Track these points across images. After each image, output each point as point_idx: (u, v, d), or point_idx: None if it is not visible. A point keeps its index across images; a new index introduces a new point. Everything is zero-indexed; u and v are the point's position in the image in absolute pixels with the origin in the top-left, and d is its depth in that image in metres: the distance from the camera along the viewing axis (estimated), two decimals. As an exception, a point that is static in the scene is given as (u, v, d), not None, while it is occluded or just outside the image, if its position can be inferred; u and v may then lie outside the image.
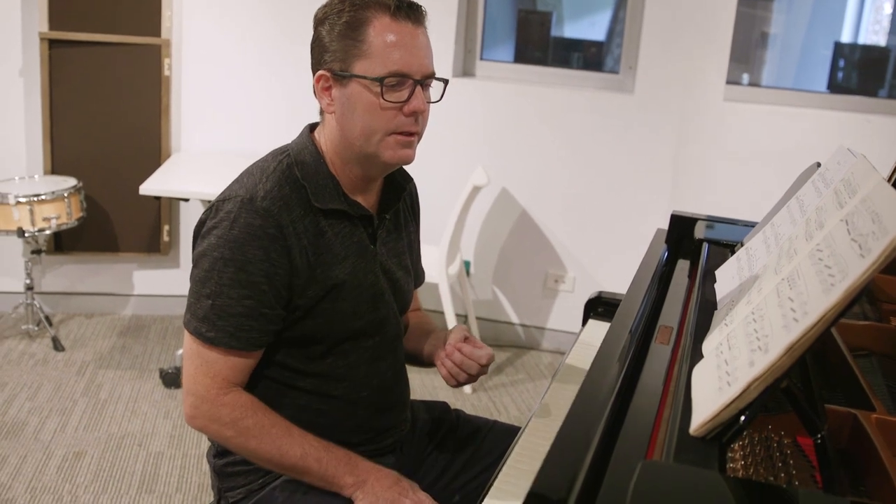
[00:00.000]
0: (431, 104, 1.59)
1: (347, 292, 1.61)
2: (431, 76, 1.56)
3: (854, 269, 0.99)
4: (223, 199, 1.56)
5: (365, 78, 1.51)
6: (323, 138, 1.63)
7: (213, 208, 1.56)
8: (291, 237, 1.53)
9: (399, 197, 1.73)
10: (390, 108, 1.52)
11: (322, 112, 1.62)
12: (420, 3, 1.57)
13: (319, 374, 1.64)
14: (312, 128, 1.67)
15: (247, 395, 1.58)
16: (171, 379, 3.65)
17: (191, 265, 1.59)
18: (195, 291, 1.55)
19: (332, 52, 1.53)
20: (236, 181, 1.59)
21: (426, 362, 1.84)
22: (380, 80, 1.50)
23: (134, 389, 3.63)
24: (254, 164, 1.63)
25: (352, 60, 1.51)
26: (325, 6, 1.57)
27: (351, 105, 1.53)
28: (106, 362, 3.87)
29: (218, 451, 1.71)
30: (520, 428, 1.67)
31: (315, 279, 1.56)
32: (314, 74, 1.58)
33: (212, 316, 1.52)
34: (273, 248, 1.51)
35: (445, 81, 1.62)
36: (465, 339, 1.68)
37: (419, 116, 1.55)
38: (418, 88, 1.53)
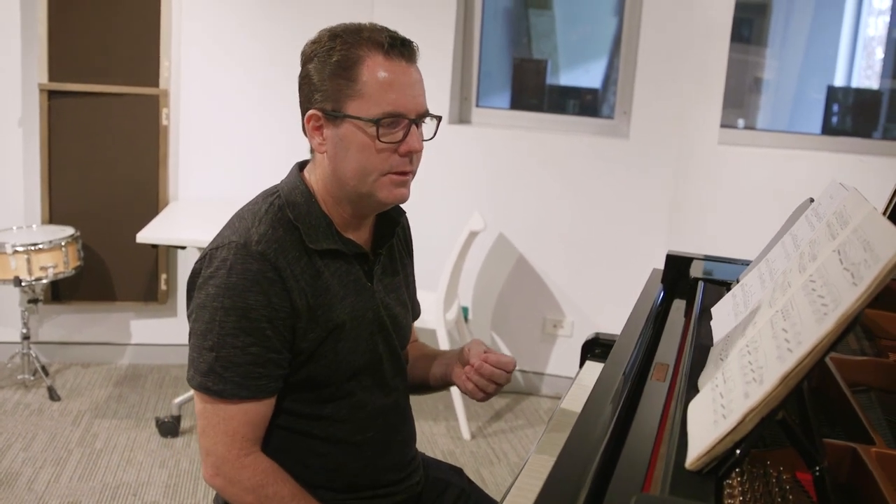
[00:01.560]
0: (425, 142, 1.56)
1: (348, 332, 1.58)
2: (426, 114, 1.54)
3: (847, 297, 0.98)
4: (216, 246, 1.52)
5: (359, 119, 1.47)
6: (314, 177, 1.59)
7: (206, 257, 1.52)
8: (290, 279, 1.49)
9: (393, 232, 1.70)
10: (385, 148, 1.48)
11: (312, 151, 1.59)
12: (412, 40, 1.54)
13: (324, 416, 1.61)
14: (301, 166, 1.64)
15: (268, 461, 1.54)
16: (168, 428, 3.61)
17: (187, 315, 1.56)
18: (197, 346, 1.51)
19: (323, 92, 1.50)
20: (227, 227, 1.56)
21: (436, 386, 1.82)
22: (375, 122, 1.47)
23: (130, 439, 3.59)
24: (243, 207, 1.60)
25: (345, 101, 1.48)
26: (313, 43, 1.54)
27: (344, 145, 1.50)
28: (102, 412, 3.83)
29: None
30: None
31: (316, 321, 1.53)
32: (303, 113, 1.55)
33: (217, 368, 1.48)
34: (273, 291, 1.47)
35: (439, 118, 1.59)
36: (486, 352, 1.67)
37: (414, 156, 1.53)
38: (413, 128, 1.50)
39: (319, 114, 1.51)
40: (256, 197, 1.62)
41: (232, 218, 1.58)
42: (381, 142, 1.48)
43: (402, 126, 1.49)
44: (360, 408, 1.64)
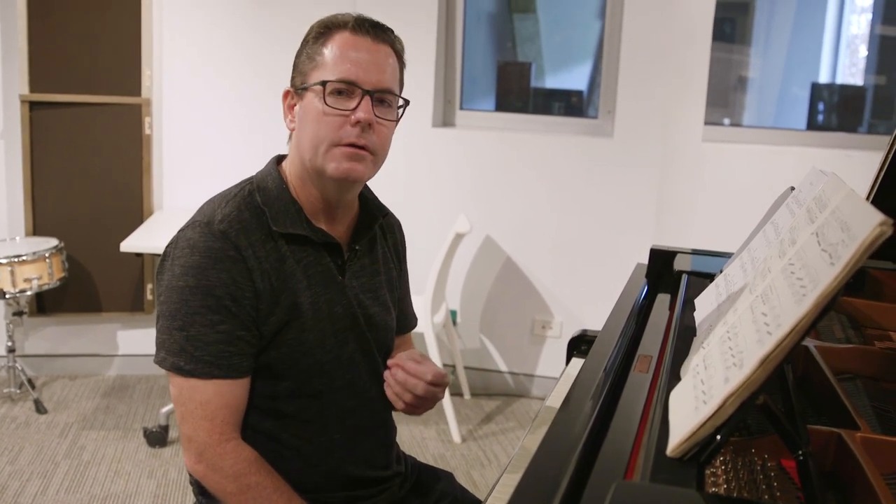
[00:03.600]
0: (388, 121, 1.56)
1: (312, 322, 1.56)
2: (385, 91, 1.54)
3: (825, 277, 0.97)
4: (183, 228, 1.54)
5: (314, 85, 1.51)
6: (288, 164, 1.62)
7: (173, 240, 1.54)
8: (252, 260, 1.50)
9: (371, 228, 1.69)
10: (334, 114, 1.50)
11: (290, 137, 1.62)
12: (389, 27, 1.57)
13: (287, 415, 1.59)
14: (280, 159, 1.66)
15: (250, 450, 1.53)
16: (156, 438, 3.59)
17: (156, 299, 1.56)
18: (165, 327, 1.50)
19: (297, 69, 1.57)
20: (198, 210, 1.57)
21: None
22: (322, 84, 1.50)
23: (118, 450, 3.56)
24: (218, 193, 1.62)
25: (309, 73, 1.53)
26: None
27: (304, 115, 1.54)
28: (89, 423, 3.80)
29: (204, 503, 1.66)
30: None
31: (278, 305, 1.52)
32: None
33: (188, 347, 1.47)
34: (235, 269, 1.48)
35: (405, 101, 1.60)
36: (411, 359, 1.63)
37: (369, 130, 1.51)
38: (366, 99, 1.50)
39: (291, 90, 1.58)
40: (232, 185, 1.64)
41: (204, 202, 1.60)
42: (328, 106, 1.49)
43: (355, 96, 1.50)
44: (327, 408, 1.62)
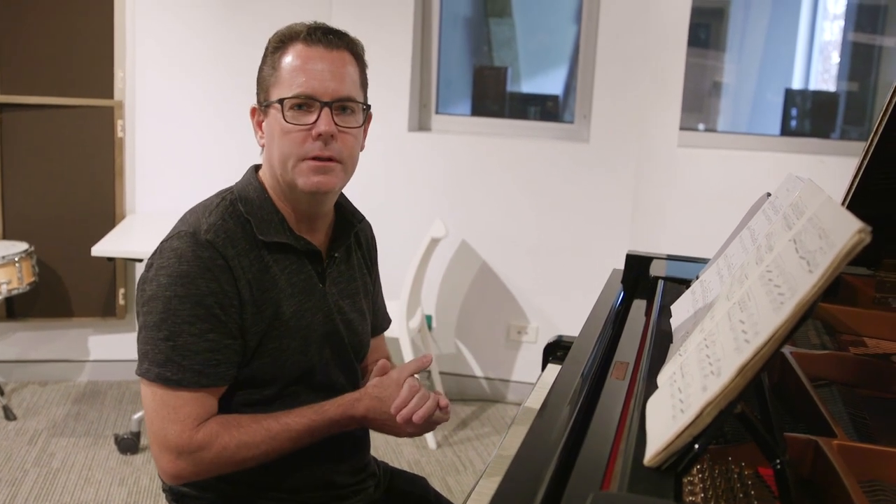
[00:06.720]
0: (352, 128, 1.56)
1: (295, 331, 1.56)
2: (343, 100, 1.53)
3: (803, 285, 0.96)
4: (167, 238, 1.52)
5: (275, 103, 1.52)
6: (264, 176, 1.61)
7: (157, 251, 1.51)
8: (237, 269, 1.49)
9: (348, 235, 1.70)
10: (296, 130, 1.51)
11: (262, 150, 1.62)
12: (343, 31, 1.57)
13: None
14: (258, 168, 1.65)
15: (212, 420, 1.49)
16: (127, 445, 3.54)
17: (137, 310, 1.53)
18: (150, 337, 1.47)
19: (260, 85, 1.58)
20: (180, 220, 1.56)
21: None
22: (280, 102, 1.51)
23: (88, 457, 3.51)
24: (197, 203, 1.60)
25: (270, 89, 1.54)
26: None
27: (270, 133, 1.55)
28: (59, 430, 3.75)
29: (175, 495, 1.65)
30: None
31: (261, 315, 1.52)
32: None
33: (175, 357, 1.45)
34: (223, 278, 1.47)
35: (367, 106, 1.60)
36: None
37: (332, 142, 1.52)
38: (325, 111, 1.51)
39: (257, 107, 1.59)
40: (211, 195, 1.63)
41: (185, 213, 1.59)
42: (288, 122, 1.50)
43: (314, 109, 1.51)
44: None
